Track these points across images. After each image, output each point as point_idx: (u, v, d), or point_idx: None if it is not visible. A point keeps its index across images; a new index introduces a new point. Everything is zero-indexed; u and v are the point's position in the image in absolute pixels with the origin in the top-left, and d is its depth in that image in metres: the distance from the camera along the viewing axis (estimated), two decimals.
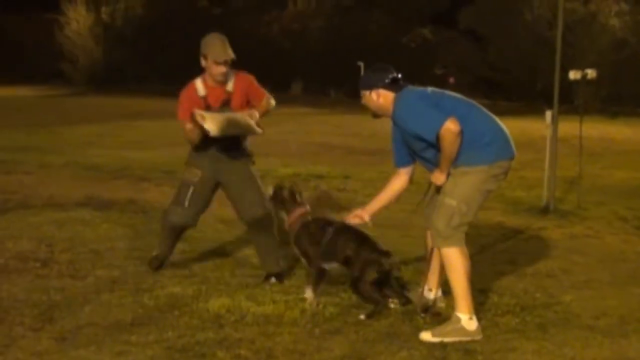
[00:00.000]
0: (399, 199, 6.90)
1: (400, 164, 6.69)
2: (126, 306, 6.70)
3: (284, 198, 7.16)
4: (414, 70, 26.10)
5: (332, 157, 16.68)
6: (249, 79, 7.51)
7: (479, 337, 6.08)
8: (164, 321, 6.34)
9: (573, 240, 9.38)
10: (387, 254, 6.80)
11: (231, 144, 7.33)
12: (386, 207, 6.94)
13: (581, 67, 11.54)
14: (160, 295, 6.93)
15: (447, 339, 5.99)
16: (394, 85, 6.39)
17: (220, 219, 9.64)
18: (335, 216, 7.31)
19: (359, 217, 6.86)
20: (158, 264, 7.57)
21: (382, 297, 6.69)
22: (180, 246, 8.14)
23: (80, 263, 7.96)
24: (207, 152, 7.31)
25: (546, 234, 9.70)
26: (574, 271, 8.04)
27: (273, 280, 7.43)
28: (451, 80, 29.80)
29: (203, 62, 7.22)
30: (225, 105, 7.29)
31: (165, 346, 5.82)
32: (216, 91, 7.27)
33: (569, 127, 14.00)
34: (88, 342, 5.87)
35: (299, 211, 7.10)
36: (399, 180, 6.75)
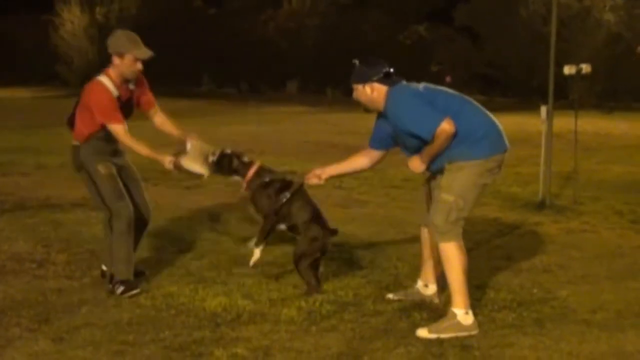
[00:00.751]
0: (356, 174, 6.98)
1: (373, 147, 6.78)
2: (123, 306, 6.70)
3: (231, 162, 7.18)
4: (410, 67, 26.12)
5: (329, 155, 16.63)
6: (144, 79, 7.34)
7: (475, 331, 6.09)
8: (160, 321, 6.34)
9: (569, 236, 9.39)
10: (334, 232, 7.09)
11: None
12: (341, 176, 7.22)
13: (576, 62, 11.53)
14: (156, 295, 6.93)
15: (443, 335, 6.00)
16: (387, 79, 6.40)
17: (215, 219, 9.64)
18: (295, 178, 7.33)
19: (317, 177, 6.95)
20: (133, 284, 7.03)
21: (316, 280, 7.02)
22: (176, 245, 8.14)
23: (77, 264, 7.97)
24: (106, 149, 7.13)
25: (542, 229, 9.71)
26: (570, 266, 8.04)
27: (111, 286, 7.09)
28: (447, 79, 29.79)
29: (117, 60, 7.02)
30: (129, 102, 7.17)
31: (162, 345, 5.83)
32: (123, 90, 7.10)
33: (564, 122, 14.01)
34: (85, 343, 5.88)
35: (252, 169, 7.16)
36: (365, 158, 6.87)
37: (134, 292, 6.90)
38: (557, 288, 7.27)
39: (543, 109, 10.99)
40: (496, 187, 11.50)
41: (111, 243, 7.08)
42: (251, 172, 7.15)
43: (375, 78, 6.41)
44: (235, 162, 7.19)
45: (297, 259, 7.03)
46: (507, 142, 6.37)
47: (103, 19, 39.91)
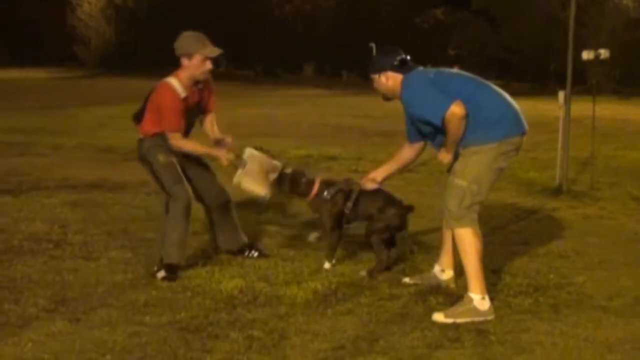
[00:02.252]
0: (407, 169, 7.22)
1: (411, 139, 6.76)
2: (139, 287, 6.72)
3: (292, 184, 7.25)
4: (427, 51, 26.05)
5: (345, 138, 16.66)
6: (212, 84, 7.38)
7: (491, 317, 6.09)
8: (177, 302, 6.36)
9: (586, 221, 9.36)
10: (410, 208, 7.29)
11: None
12: (394, 174, 7.12)
13: (594, 47, 11.48)
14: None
15: (459, 320, 6.00)
16: (402, 67, 6.40)
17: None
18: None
19: (373, 180, 7.05)
20: (175, 274, 7.04)
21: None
22: (192, 227, 8.14)
23: (94, 244, 7.99)
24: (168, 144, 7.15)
25: (559, 214, 9.68)
26: (587, 252, 8.02)
27: (254, 253, 7.53)
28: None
29: (186, 62, 6.98)
30: (198, 104, 7.22)
31: (178, 327, 5.84)
32: (192, 91, 7.12)
33: (582, 107, 13.94)
34: (101, 323, 5.90)
35: (314, 190, 7.24)
36: (409, 151, 6.86)
37: (173, 282, 6.90)
38: (574, 274, 7.25)
39: (561, 94, 10.95)
40: (513, 172, 11.47)
41: (165, 225, 7.16)
42: (313, 193, 7.22)
43: (389, 67, 6.41)
44: (296, 183, 7.24)
45: (369, 235, 7.16)
46: (525, 124, 6.34)
47: (120, 0, 39.87)
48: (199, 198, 7.53)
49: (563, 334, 5.82)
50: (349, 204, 7.12)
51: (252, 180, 7.10)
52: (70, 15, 39.19)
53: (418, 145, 6.77)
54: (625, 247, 8.27)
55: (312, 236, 7.44)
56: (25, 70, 35.39)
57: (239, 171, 7.08)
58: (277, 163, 7.30)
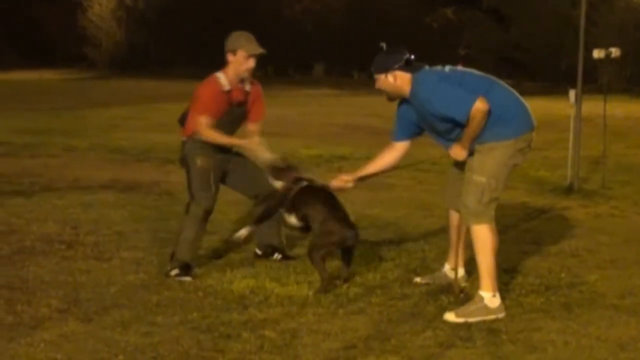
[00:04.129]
0: (389, 173, 7.09)
1: (398, 138, 6.72)
2: (151, 288, 6.74)
3: (278, 169, 7.17)
4: (437, 50, 26.01)
5: (355, 138, 16.67)
6: (261, 88, 7.53)
7: (502, 314, 6.09)
8: (189, 302, 6.37)
9: (598, 220, 9.35)
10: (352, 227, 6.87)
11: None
12: (372, 177, 7.01)
13: (605, 45, 11.46)
14: None
15: (471, 319, 5.99)
16: (409, 66, 6.40)
17: (242, 201, 9.65)
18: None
19: (344, 181, 6.90)
20: (189, 272, 7.08)
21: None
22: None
23: (105, 245, 8.01)
24: (212, 146, 7.21)
25: (570, 213, 9.67)
26: (598, 251, 8.01)
27: (277, 256, 7.52)
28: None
29: (231, 57, 7.16)
30: (242, 105, 7.30)
31: (190, 327, 5.85)
32: (238, 90, 7.25)
33: (593, 106, 13.93)
34: (114, 323, 5.91)
35: (290, 175, 7.10)
36: (392, 154, 6.77)
37: (187, 278, 6.93)
38: (586, 273, 7.25)
39: (572, 93, 10.94)
40: (524, 171, 11.46)
41: (182, 224, 7.21)
42: (289, 177, 7.10)
43: (396, 66, 6.40)
44: (277, 168, 7.15)
45: (310, 250, 6.83)
46: (534, 119, 6.35)
47: (131, 2, 39.95)
48: (247, 193, 7.60)
49: (575, 333, 5.82)
50: (303, 183, 6.95)
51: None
52: (80, 16, 39.27)
53: (402, 146, 6.71)
54: (637, 245, 8.26)
55: (241, 233, 7.24)
56: (37, 71, 35.46)
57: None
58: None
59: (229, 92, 7.16)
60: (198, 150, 7.16)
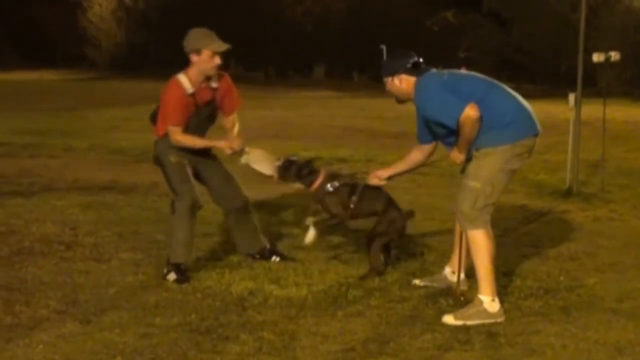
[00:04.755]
0: (416, 170, 7.29)
1: (422, 141, 6.78)
2: (150, 289, 6.74)
3: (297, 171, 7.20)
4: (437, 53, 25.99)
5: (355, 140, 16.67)
6: (230, 80, 7.36)
7: (501, 319, 6.09)
8: (187, 304, 6.37)
9: (597, 223, 9.35)
10: (411, 214, 7.28)
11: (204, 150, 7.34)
12: (402, 174, 7.14)
13: (605, 49, 11.46)
14: None
15: (469, 322, 6.00)
16: (415, 69, 6.42)
17: None
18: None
19: (378, 177, 7.05)
20: (185, 275, 7.03)
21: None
22: (203, 229, 8.16)
23: (104, 246, 8.01)
24: (184, 149, 7.18)
25: (570, 217, 9.67)
26: (597, 254, 8.01)
27: (275, 258, 7.52)
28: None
29: (194, 58, 6.99)
30: (210, 103, 7.21)
31: (189, 329, 5.86)
32: (202, 88, 7.12)
33: (592, 109, 13.92)
34: (112, 325, 5.92)
35: (319, 180, 7.18)
36: (419, 153, 6.88)
37: (184, 283, 6.91)
38: (584, 276, 7.24)
39: (571, 96, 10.93)
40: (523, 174, 11.45)
41: (171, 225, 7.19)
42: (317, 182, 7.17)
43: (402, 70, 6.44)
44: (301, 171, 7.20)
45: (371, 237, 7.11)
46: (538, 125, 6.34)
47: (131, 2, 39.97)
48: (216, 201, 7.57)
49: (573, 336, 5.82)
50: (354, 199, 7.07)
51: (258, 162, 7.13)
52: (80, 17, 39.29)
53: (428, 147, 6.78)
54: (636, 249, 8.26)
55: (309, 220, 7.31)
56: (37, 71, 35.50)
57: (244, 157, 7.11)
58: (280, 156, 7.33)
59: (193, 94, 7.05)
60: (170, 149, 7.13)
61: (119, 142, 15.49)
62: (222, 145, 7.14)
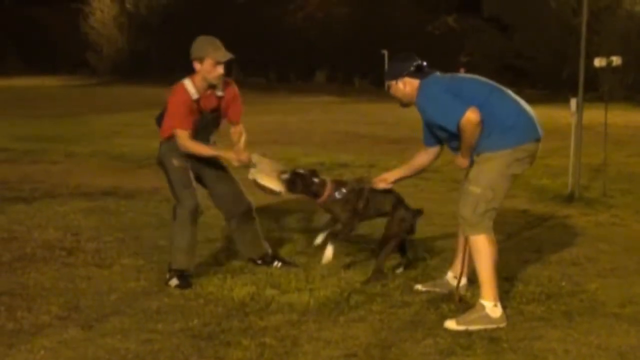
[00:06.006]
0: (420, 175, 7.27)
1: (427, 144, 6.79)
2: (152, 295, 6.74)
3: (304, 183, 7.17)
4: (439, 58, 25.99)
5: (357, 145, 16.66)
6: (236, 89, 7.39)
7: (503, 324, 6.08)
8: (189, 309, 6.37)
9: (599, 228, 9.34)
10: (419, 212, 7.32)
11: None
12: (408, 177, 7.17)
13: (606, 54, 11.45)
14: None
15: (471, 327, 5.99)
16: (419, 73, 6.42)
17: None
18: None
19: (384, 181, 7.10)
20: (187, 281, 7.04)
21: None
22: (205, 234, 8.17)
23: (106, 252, 8.02)
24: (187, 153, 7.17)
25: (571, 221, 9.67)
26: (599, 259, 8.00)
27: (277, 263, 7.51)
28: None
29: (197, 66, 7.01)
30: (215, 111, 7.23)
31: (191, 334, 5.86)
32: (208, 95, 7.14)
33: (594, 114, 13.91)
34: (114, 331, 5.92)
35: (327, 191, 7.16)
36: (424, 156, 6.89)
37: (186, 289, 6.90)
38: (586, 281, 7.24)
39: (573, 101, 10.93)
40: (525, 179, 11.44)
41: (172, 231, 7.18)
42: (326, 193, 7.14)
43: (406, 73, 6.44)
44: (308, 183, 7.17)
45: (385, 240, 7.18)
46: (540, 130, 6.32)
47: (133, 8, 40.04)
48: (219, 206, 7.56)
49: (576, 342, 5.81)
50: (362, 202, 7.11)
51: (267, 178, 7.12)
52: (82, 23, 39.34)
53: (433, 150, 6.78)
54: (638, 254, 8.24)
55: (319, 238, 7.35)
56: (39, 77, 35.54)
57: (252, 170, 7.09)
58: (283, 167, 7.32)
59: (197, 100, 7.07)
60: (173, 152, 7.14)
61: (120, 147, 15.49)
62: (229, 157, 7.14)
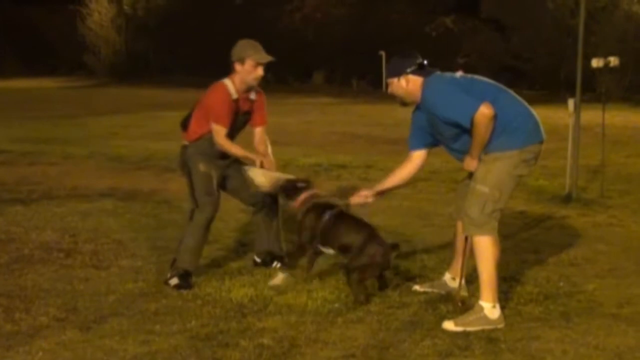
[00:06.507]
0: (409, 184, 6.93)
1: (414, 147, 6.67)
2: (150, 296, 6.74)
3: (288, 188, 7.06)
4: (436, 59, 26.01)
5: (355, 146, 16.67)
6: (264, 96, 7.52)
7: (501, 325, 6.08)
8: (187, 311, 6.37)
9: (596, 229, 9.34)
10: (395, 246, 6.82)
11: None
12: (392, 190, 6.99)
13: (604, 54, 11.46)
14: None
15: (470, 328, 5.99)
16: (421, 70, 6.38)
17: (242, 209, 9.65)
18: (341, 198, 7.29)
19: (364, 196, 6.83)
20: (187, 282, 7.04)
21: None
22: None
23: (104, 253, 8.02)
24: (212, 151, 7.19)
25: (569, 222, 9.67)
26: (597, 260, 8.01)
27: (276, 264, 7.49)
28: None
29: (238, 67, 7.12)
30: (247, 113, 7.32)
31: (189, 335, 5.86)
32: (243, 98, 7.25)
33: (592, 115, 13.93)
34: (112, 332, 5.92)
35: (303, 195, 6.99)
36: (410, 165, 6.72)
37: (185, 290, 6.91)
38: (584, 282, 7.24)
39: (570, 102, 10.93)
40: (523, 180, 11.40)
41: (185, 231, 7.22)
42: (296, 203, 6.98)
43: (409, 70, 6.39)
44: (288, 188, 7.04)
45: (349, 269, 6.68)
46: (543, 132, 6.32)
47: (130, 10, 40.03)
48: (246, 201, 7.62)
49: (573, 342, 5.82)
50: (323, 223, 6.76)
51: (260, 173, 7.09)
52: (80, 24, 39.32)
53: (419, 155, 6.65)
54: (636, 254, 8.25)
55: (276, 280, 7.08)
56: (37, 79, 35.53)
57: (252, 168, 7.08)
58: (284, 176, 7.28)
59: (236, 100, 7.17)
60: (199, 155, 7.18)
61: (118, 149, 15.48)
62: (254, 158, 7.16)
